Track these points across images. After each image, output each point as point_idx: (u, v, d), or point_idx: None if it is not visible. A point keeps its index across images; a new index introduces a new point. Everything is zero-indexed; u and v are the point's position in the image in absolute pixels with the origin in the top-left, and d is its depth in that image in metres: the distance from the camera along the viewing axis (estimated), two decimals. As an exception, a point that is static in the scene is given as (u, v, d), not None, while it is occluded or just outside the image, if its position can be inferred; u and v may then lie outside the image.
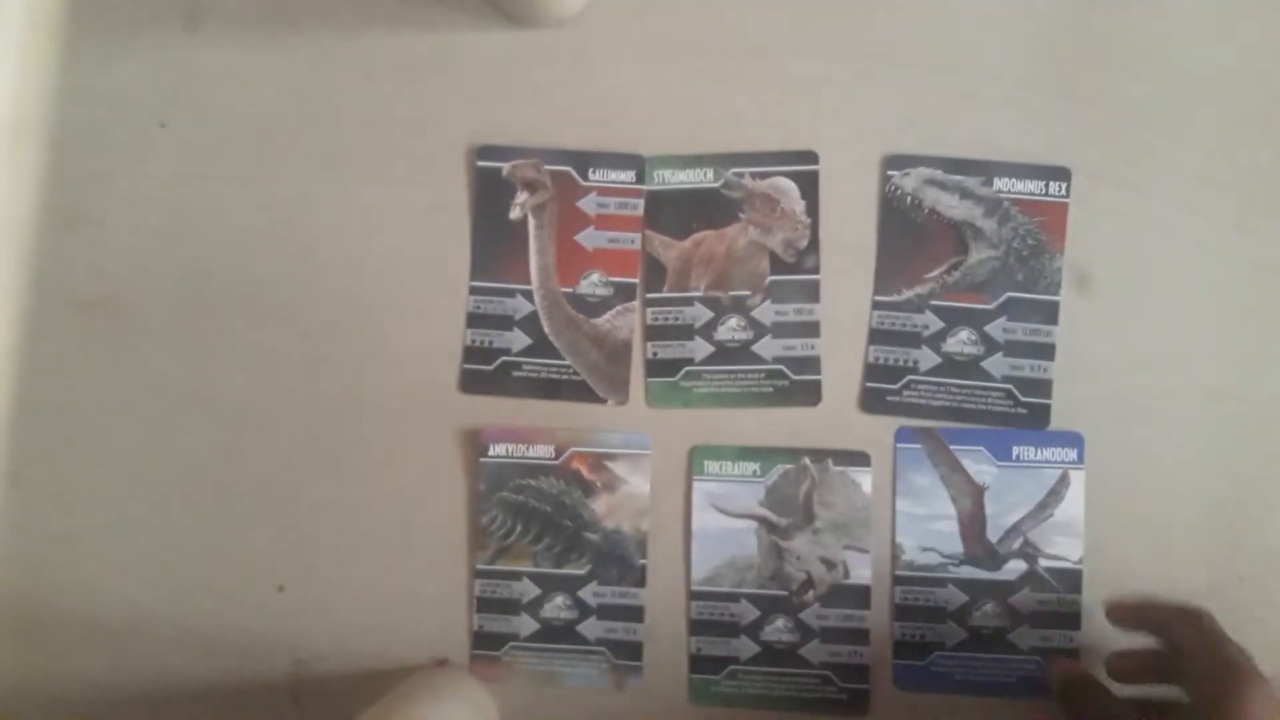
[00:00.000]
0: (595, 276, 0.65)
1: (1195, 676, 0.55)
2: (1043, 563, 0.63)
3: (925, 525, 0.64)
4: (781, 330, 0.64)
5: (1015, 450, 0.63)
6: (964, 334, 0.64)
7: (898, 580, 0.64)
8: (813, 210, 0.65)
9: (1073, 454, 0.63)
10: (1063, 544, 0.63)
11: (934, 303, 0.64)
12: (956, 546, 0.63)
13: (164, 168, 0.67)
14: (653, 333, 0.65)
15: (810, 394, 0.64)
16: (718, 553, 0.64)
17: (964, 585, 0.63)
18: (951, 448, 0.64)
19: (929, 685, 0.63)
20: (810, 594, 0.64)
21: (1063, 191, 0.64)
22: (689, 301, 0.65)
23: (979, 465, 0.64)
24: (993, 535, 0.63)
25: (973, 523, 0.63)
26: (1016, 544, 0.63)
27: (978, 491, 0.63)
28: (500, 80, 0.66)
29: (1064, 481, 0.63)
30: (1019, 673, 0.63)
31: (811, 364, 0.64)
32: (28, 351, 0.67)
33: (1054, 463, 0.63)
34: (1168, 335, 0.64)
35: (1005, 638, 0.63)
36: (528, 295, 0.65)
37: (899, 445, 0.64)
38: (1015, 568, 0.63)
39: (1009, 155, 0.64)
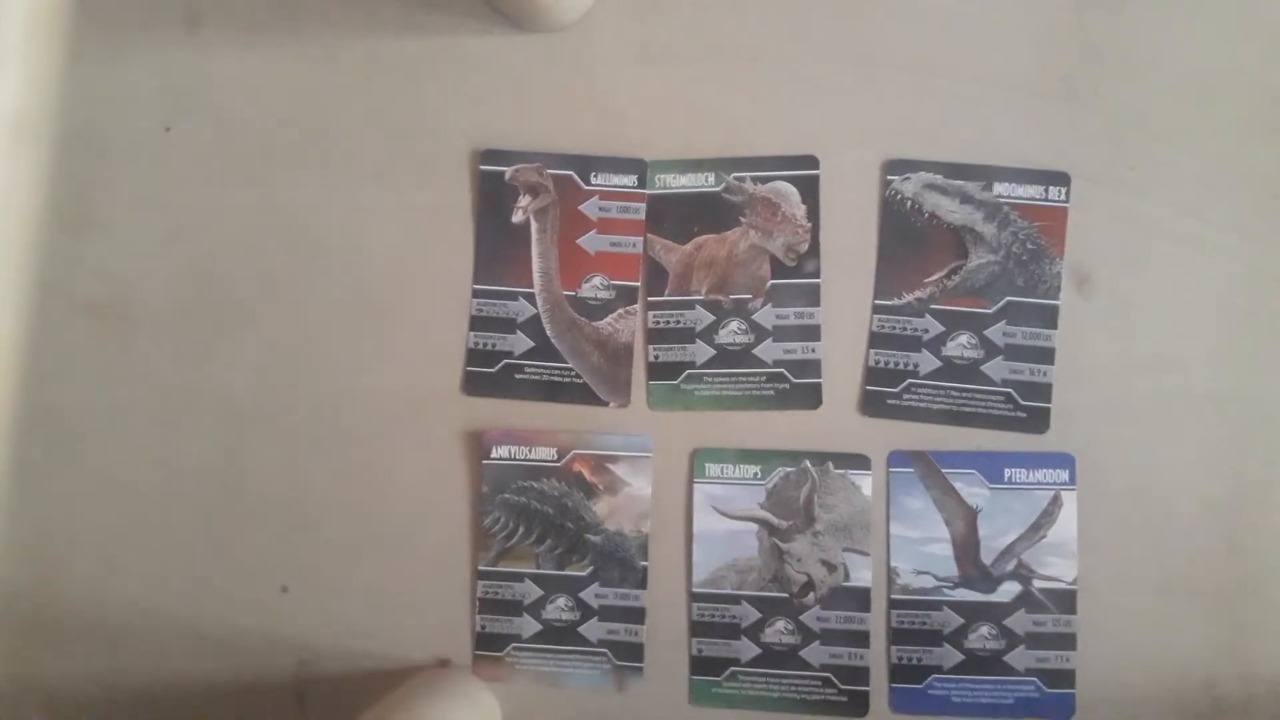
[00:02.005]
0: (597, 280, 0.66)
1: None
2: (1037, 584, 0.63)
3: (919, 548, 0.64)
4: (782, 334, 0.65)
5: (1007, 472, 0.64)
6: (964, 338, 0.64)
7: (893, 604, 0.64)
8: (813, 214, 0.65)
9: (1064, 475, 0.63)
10: (1056, 565, 0.63)
11: (934, 307, 0.64)
12: (951, 569, 0.64)
13: (168, 171, 0.68)
14: (654, 336, 0.65)
15: (811, 397, 0.65)
16: (719, 555, 0.64)
17: (959, 608, 0.63)
18: (944, 471, 0.64)
19: (926, 708, 0.63)
20: (810, 596, 0.64)
21: (1062, 196, 0.64)
22: (690, 305, 0.65)
23: (971, 488, 0.64)
24: (986, 557, 0.63)
25: (966, 545, 0.63)
26: (1010, 566, 0.63)
27: (970, 514, 0.64)
28: (503, 85, 0.66)
29: (1056, 503, 0.63)
30: (1015, 694, 0.63)
31: (812, 367, 0.65)
32: (33, 353, 0.68)
33: (1046, 484, 0.63)
34: (1167, 339, 0.64)
35: (1002, 660, 0.63)
36: (530, 298, 0.66)
37: (891, 470, 0.64)
38: (1010, 589, 0.63)
39: (1009, 160, 0.64)
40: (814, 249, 0.65)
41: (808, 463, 0.64)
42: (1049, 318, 0.64)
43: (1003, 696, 0.63)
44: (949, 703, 0.63)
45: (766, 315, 0.65)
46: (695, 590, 0.64)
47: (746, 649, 0.64)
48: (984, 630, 0.63)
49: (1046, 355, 0.64)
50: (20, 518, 0.68)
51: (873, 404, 0.64)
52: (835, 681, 0.64)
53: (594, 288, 0.66)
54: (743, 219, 0.65)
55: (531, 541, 0.65)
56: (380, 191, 0.67)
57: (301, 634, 0.66)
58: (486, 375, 0.66)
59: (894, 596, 0.64)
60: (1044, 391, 0.64)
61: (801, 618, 0.64)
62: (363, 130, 0.67)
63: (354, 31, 0.68)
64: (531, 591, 0.65)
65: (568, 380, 0.65)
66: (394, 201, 0.67)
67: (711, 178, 0.66)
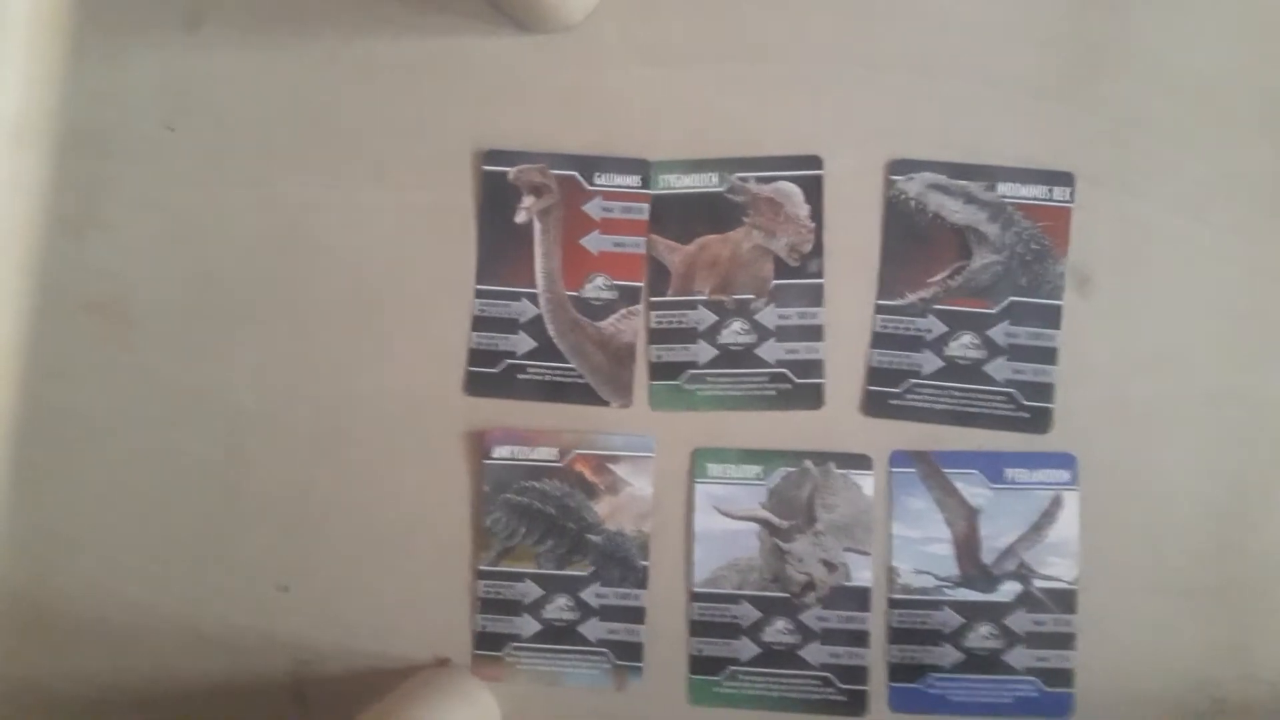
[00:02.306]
0: (600, 280, 0.66)
1: None
2: (1037, 583, 0.63)
3: (920, 548, 0.64)
4: (785, 334, 0.65)
5: (1008, 473, 0.64)
6: (966, 338, 0.64)
7: (893, 603, 0.64)
8: (817, 214, 0.65)
9: (1066, 475, 0.63)
10: (1057, 565, 0.63)
11: (937, 307, 0.64)
12: (951, 569, 0.64)
13: (169, 171, 0.68)
14: (656, 336, 0.65)
15: (813, 397, 0.65)
16: (719, 555, 0.64)
17: (959, 607, 0.64)
18: (945, 471, 0.64)
19: (925, 707, 0.63)
20: (811, 596, 0.64)
21: (1066, 196, 0.64)
22: (693, 305, 0.65)
23: (973, 488, 0.64)
24: (987, 557, 0.63)
25: (967, 545, 0.64)
26: (1011, 565, 0.63)
27: (972, 514, 0.64)
28: (506, 85, 0.66)
29: (1057, 503, 0.63)
30: (1014, 694, 0.63)
31: (814, 367, 0.65)
32: (34, 353, 0.68)
33: (1047, 484, 0.63)
34: (1169, 339, 0.64)
35: (1001, 659, 0.63)
36: (533, 299, 0.66)
37: (893, 470, 0.64)
38: (1010, 589, 0.63)
39: (1012, 160, 0.64)
40: (817, 249, 0.65)
41: (809, 463, 0.64)
42: (1052, 318, 0.64)
43: (1002, 695, 0.63)
44: (948, 702, 0.63)
45: (769, 315, 0.65)
46: (695, 590, 0.64)
47: (746, 648, 0.64)
48: (984, 630, 0.63)
49: (1049, 355, 0.64)
50: (20, 518, 0.67)
51: (875, 404, 0.64)
52: (835, 681, 0.64)
53: (597, 288, 0.66)
54: (746, 219, 0.65)
55: (532, 541, 0.65)
56: (382, 192, 0.67)
57: (301, 634, 0.66)
58: (488, 375, 0.66)
59: (894, 596, 0.64)
60: (1046, 392, 0.64)
61: (801, 617, 0.64)
62: (364, 130, 0.67)
63: (355, 31, 0.67)
64: (532, 591, 0.65)
65: (570, 380, 0.65)
66: (396, 202, 0.67)
67: (715, 178, 0.66)
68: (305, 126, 0.67)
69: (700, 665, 0.64)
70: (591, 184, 0.66)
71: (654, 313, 0.65)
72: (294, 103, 0.68)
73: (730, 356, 0.65)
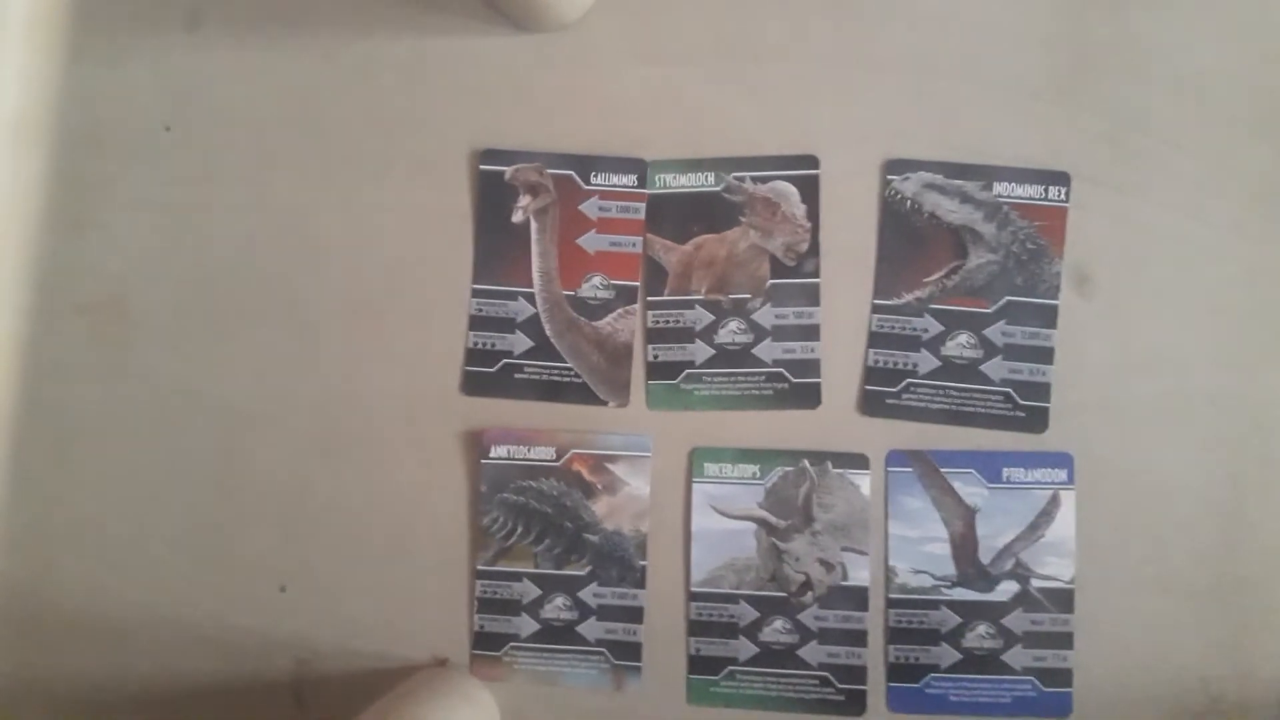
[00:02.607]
0: (597, 279, 0.66)
1: None
2: (1035, 583, 0.63)
3: (918, 548, 0.64)
4: (781, 333, 0.65)
5: (1005, 472, 0.64)
6: (963, 337, 0.64)
7: (891, 603, 0.64)
8: (813, 214, 0.65)
9: (1063, 475, 0.63)
10: (1054, 564, 0.63)
11: (933, 306, 0.64)
12: (949, 569, 0.64)
13: (168, 170, 0.68)
14: (653, 335, 0.65)
15: (810, 397, 0.65)
16: (717, 554, 0.65)
17: (957, 607, 0.63)
18: (942, 470, 0.64)
19: (924, 708, 0.63)
20: (808, 595, 0.64)
21: (1062, 196, 0.64)
22: (689, 305, 0.65)
23: (970, 487, 0.64)
24: (985, 557, 0.63)
25: (965, 545, 0.64)
26: (1009, 565, 0.63)
27: (969, 514, 0.64)
28: (503, 84, 0.66)
29: (1054, 502, 0.63)
30: (1013, 693, 0.63)
31: (811, 367, 0.65)
32: (31, 352, 0.68)
33: (1044, 484, 0.63)
34: (1166, 339, 0.64)
35: (999, 659, 0.63)
36: (529, 298, 0.66)
37: (890, 469, 0.64)
38: (1008, 589, 0.63)
39: (1009, 160, 0.64)
40: (813, 249, 0.65)
41: (806, 462, 0.64)
42: (1048, 317, 0.64)
43: (1000, 695, 0.63)
44: (946, 702, 0.63)
45: (766, 315, 0.65)
46: (693, 590, 0.64)
47: (744, 648, 0.64)
48: (981, 629, 0.63)
49: (1045, 355, 0.64)
50: (20, 517, 0.68)
51: (872, 403, 0.64)
52: (833, 680, 0.64)
53: (593, 287, 0.66)
54: (742, 219, 0.65)
55: (530, 541, 0.65)
56: (380, 191, 0.67)
57: (300, 634, 0.66)
58: (486, 375, 0.66)
59: (892, 596, 0.64)
60: (1043, 391, 0.64)
61: (799, 617, 0.64)
62: (362, 130, 0.67)
63: (354, 31, 0.68)
64: (530, 591, 0.65)
65: (567, 380, 0.66)
66: (394, 201, 0.67)
67: (711, 177, 0.66)
68: (302, 126, 0.67)
69: (698, 665, 0.64)
70: (588, 183, 0.66)
71: (651, 312, 0.66)
72: (291, 102, 0.68)
73: (727, 356, 0.65)
